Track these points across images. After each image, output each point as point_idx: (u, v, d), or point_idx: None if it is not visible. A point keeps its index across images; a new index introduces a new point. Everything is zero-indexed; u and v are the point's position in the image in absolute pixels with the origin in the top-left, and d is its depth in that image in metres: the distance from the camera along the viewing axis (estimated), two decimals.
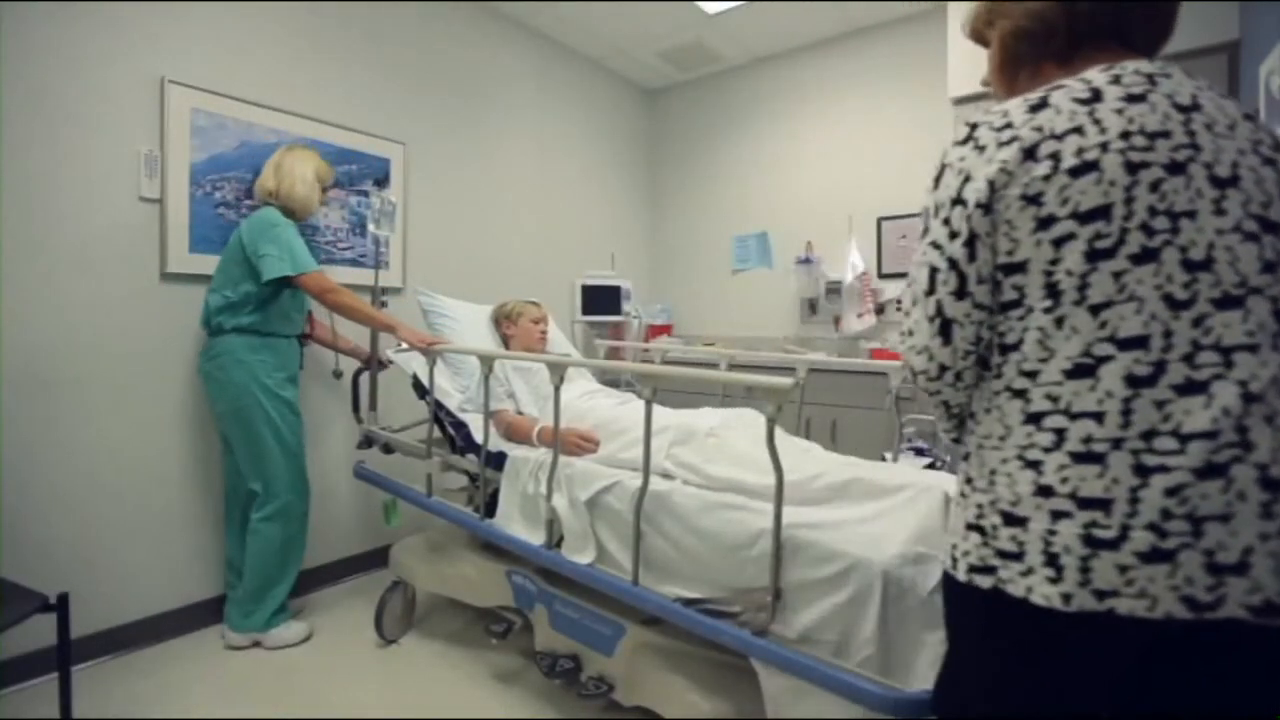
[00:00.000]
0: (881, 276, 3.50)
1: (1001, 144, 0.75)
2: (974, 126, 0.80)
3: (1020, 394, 0.74)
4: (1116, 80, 0.74)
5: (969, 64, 2.90)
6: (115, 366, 2.11)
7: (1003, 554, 0.73)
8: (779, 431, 1.30)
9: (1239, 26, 2.32)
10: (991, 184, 0.74)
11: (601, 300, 3.70)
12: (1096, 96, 0.73)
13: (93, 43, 2.04)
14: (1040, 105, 0.74)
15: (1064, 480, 0.69)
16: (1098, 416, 0.68)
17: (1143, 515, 0.66)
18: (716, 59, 3.95)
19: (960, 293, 0.77)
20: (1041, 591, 0.69)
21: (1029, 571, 0.70)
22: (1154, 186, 0.68)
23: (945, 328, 0.78)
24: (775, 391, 1.14)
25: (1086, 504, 0.68)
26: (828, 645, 1.18)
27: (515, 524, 1.76)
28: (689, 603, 1.37)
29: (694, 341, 4.12)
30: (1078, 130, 0.71)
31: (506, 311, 2.43)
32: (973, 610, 0.78)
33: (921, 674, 1.12)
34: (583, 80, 3.92)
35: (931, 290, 0.79)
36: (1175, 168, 0.69)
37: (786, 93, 3.86)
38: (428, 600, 2.42)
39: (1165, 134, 0.70)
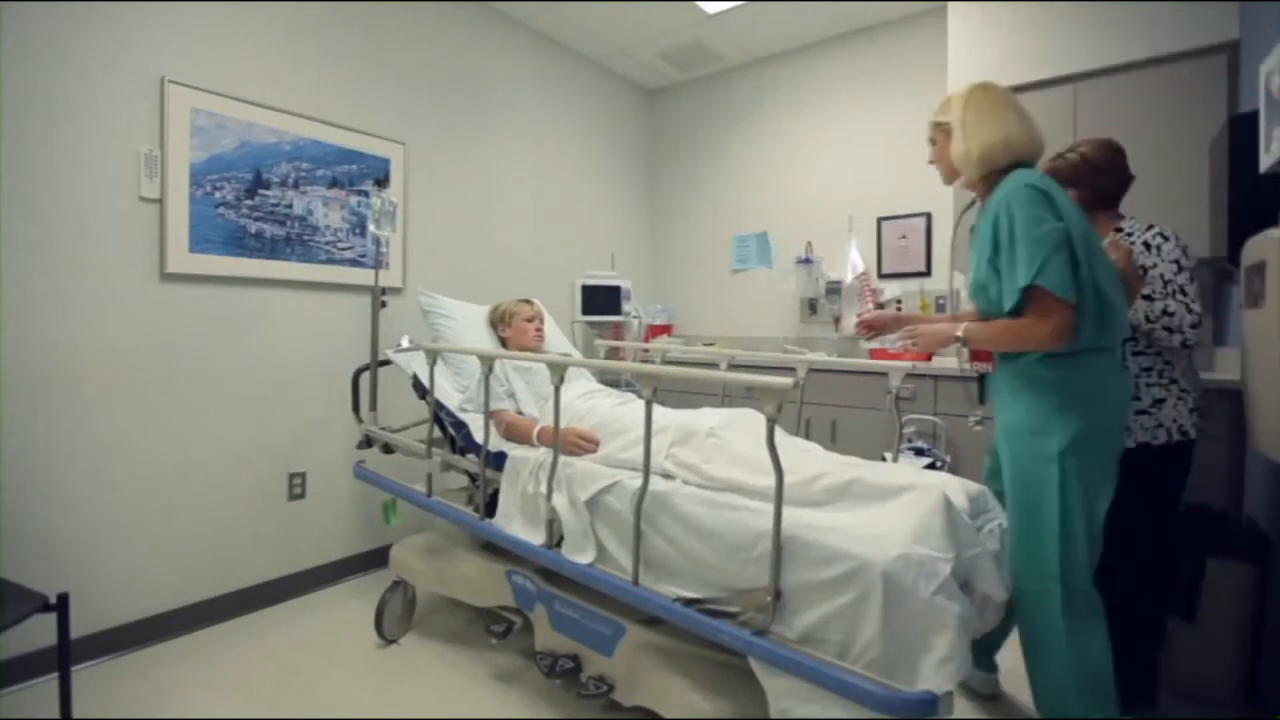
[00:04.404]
0: (881, 276, 3.50)
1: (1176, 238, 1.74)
2: (1163, 231, 1.74)
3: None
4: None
5: (969, 64, 2.90)
6: (115, 366, 2.11)
7: (1201, 415, 1.72)
8: (779, 431, 1.30)
9: (1239, 26, 2.32)
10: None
11: (601, 300, 3.70)
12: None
13: (93, 43, 2.04)
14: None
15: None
16: None
17: None
18: (716, 59, 3.95)
19: None
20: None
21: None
22: None
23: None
24: (775, 391, 1.14)
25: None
26: (830, 646, 1.18)
27: (515, 524, 1.76)
28: (689, 603, 1.36)
29: (694, 341, 4.12)
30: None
31: (499, 314, 2.42)
32: (1186, 452, 1.72)
33: (925, 675, 1.11)
34: (583, 80, 3.92)
35: (1195, 298, 1.67)
36: None
37: (786, 93, 3.86)
38: (428, 600, 2.42)
39: None
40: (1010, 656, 2.09)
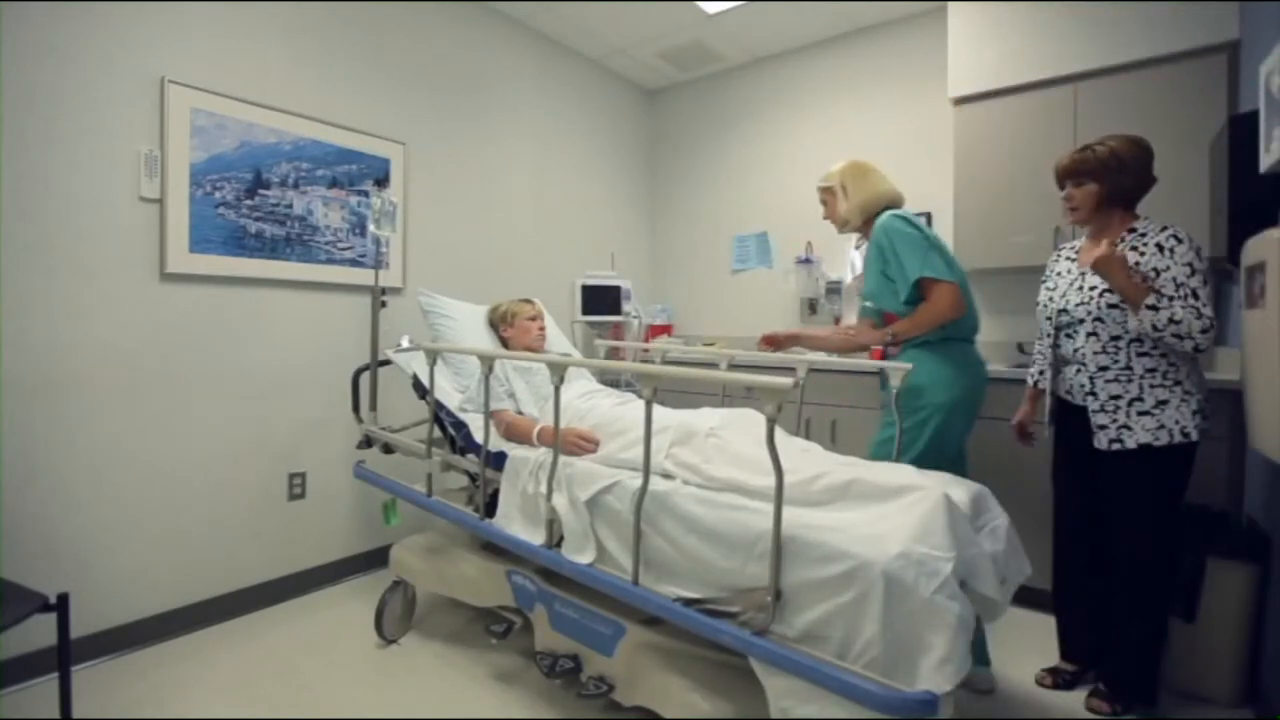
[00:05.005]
0: None
1: (1190, 240, 1.74)
2: (1176, 233, 1.73)
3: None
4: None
5: (969, 64, 2.90)
6: (115, 366, 2.11)
7: (1205, 417, 1.73)
8: (779, 431, 1.30)
9: (1239, 26, 2.32)
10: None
11: (601, 300, 3.70)
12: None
13: (93, 43, 2.04)
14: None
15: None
16: None
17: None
18: (716, 59, 3.95)
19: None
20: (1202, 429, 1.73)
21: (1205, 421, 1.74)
22: None
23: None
24: (775, 391, 1.14)
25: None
26: (831, 644, 1.18)
27: (515, 524, 1.76)
28: (689, 603, 1.37)
29: (694, 341, 4.12)
30: None
31: (501, 314, 2.41)
32: (1188, 453, 1.73)
33: (925, 675, 1.11)
34: (583, 80, 3.92)
35: (1207, 302, 1.66)
36: None
37: (786, 93, 3.86)
38: (428, 600, 2.42)
39: None
40: (1005, 654, 2.10)
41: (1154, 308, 1.65)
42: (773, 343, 2.22)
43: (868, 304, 2.10)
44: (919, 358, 1.90)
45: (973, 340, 2.02)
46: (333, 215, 2.67)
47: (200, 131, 2.27)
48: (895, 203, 2.07)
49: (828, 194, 2.15)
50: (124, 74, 2.11)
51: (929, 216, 3.34)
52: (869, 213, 2.06)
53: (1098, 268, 1.72)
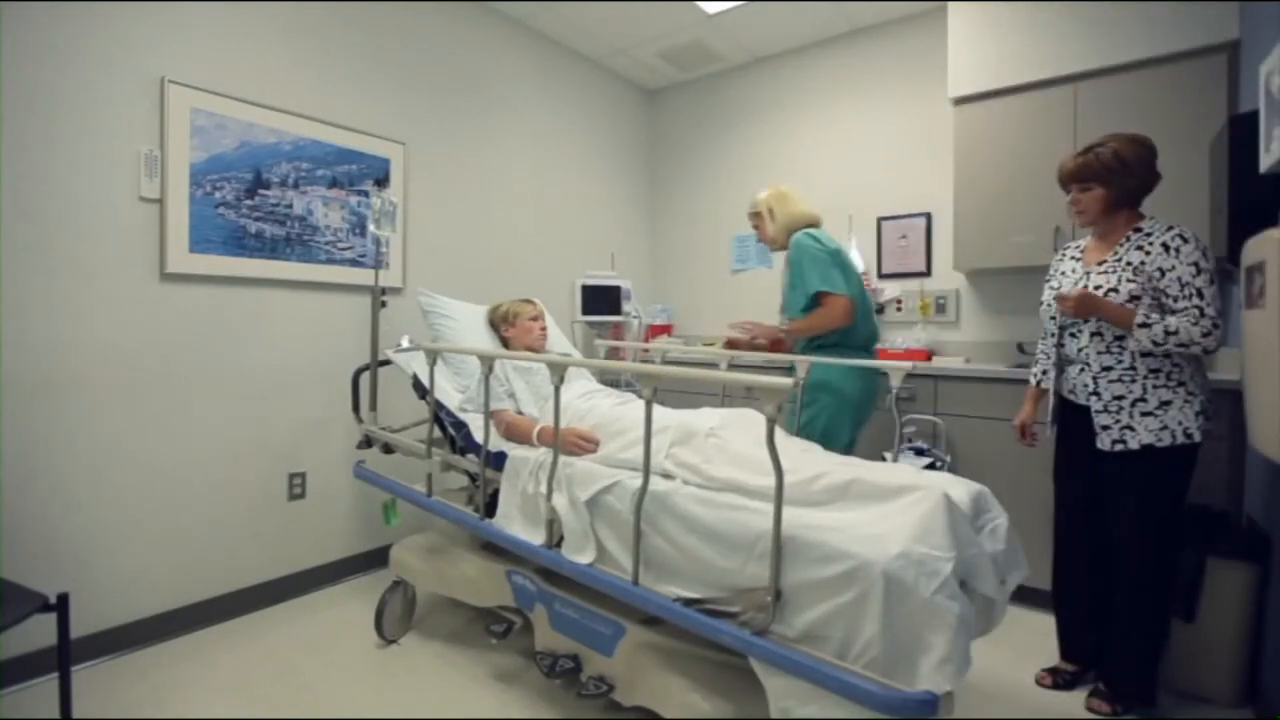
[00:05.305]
0: (881, 277, 3.50)
1: (1197, 240, 1.73)
2: (1182, 233, 1.72)
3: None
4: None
5: (969, 64, 2.90)
6: (115, 366, 2.11)
7: (1208, 418, 1.74)
8: (779, 432, 1.30)
9: (1239, 26, 2.32)
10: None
11: (601, 300, 3.70)
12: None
13: (93, 43, 2.04)
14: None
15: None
16: None
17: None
18: (716, 59, 3.95)
19: None
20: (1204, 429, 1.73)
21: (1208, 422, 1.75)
22: None
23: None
24: (775, 391, 1.14)
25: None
26: (831, 644, 1.18)
27: (515, 524, 1.76)
28: (689, 603, 1.36)
29: (694, 341, 4.12)
30: None
31: (502, 314, 2.41)
32: (1191, 454, 1.74)
33: (925, 675, 1.11)
34: (583, 80, 3.92)
35: (1212, 302, 1.66)
36: None
37: (786, 93, 3.86)
38: (428, 600, 2.42)
39: None
40: (1005, 654, 2.10)
41: (1146, 325, 1.66)
42: (735, 346, 2.51)
43: (780, 312, 2.47)
44: (821, 359, 2.20)
45: (870, 350, 2.38)
46: (333, 215, 2.67)
47: (200, 131, 2.27)
48: (813, 223, 2.36)
49: (757, 218, 2.44)
50: (124, 74, 2.11)
51: (929, 217, 3.35)
52: (791, 232, 2.34)
53: (1080, 314, 1.77)
